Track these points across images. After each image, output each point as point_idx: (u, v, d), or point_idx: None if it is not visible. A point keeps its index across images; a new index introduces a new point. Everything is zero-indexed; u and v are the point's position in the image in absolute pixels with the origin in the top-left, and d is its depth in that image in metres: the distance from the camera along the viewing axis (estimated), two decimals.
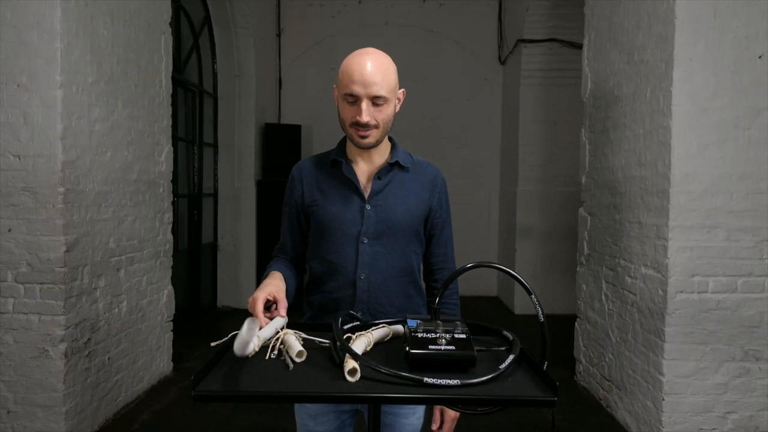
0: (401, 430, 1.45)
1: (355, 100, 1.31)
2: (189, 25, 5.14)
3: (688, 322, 2.65)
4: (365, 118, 1.31)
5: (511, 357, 1.04)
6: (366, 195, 1.42)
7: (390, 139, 1.48)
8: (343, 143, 1.49)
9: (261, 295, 1.18)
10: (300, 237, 1.52)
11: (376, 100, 1.31)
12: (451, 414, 1.46)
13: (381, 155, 1.45)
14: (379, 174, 1.43)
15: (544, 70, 5.68)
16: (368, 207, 1.40)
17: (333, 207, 1.42)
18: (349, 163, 1.44)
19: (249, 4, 5.50)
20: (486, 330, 1.27)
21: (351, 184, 1.42)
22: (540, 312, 1.10)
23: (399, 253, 1.42)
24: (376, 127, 1.34)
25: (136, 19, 3.25)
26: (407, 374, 0.95)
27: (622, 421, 3.12)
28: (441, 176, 1.51)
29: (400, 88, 1.39)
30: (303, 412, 1.47)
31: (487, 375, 0.97)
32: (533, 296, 1.11)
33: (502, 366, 1.01)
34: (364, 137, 1.35)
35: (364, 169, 1.45)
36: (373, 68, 1.29)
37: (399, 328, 1.25)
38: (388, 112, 1.35)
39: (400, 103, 1.41)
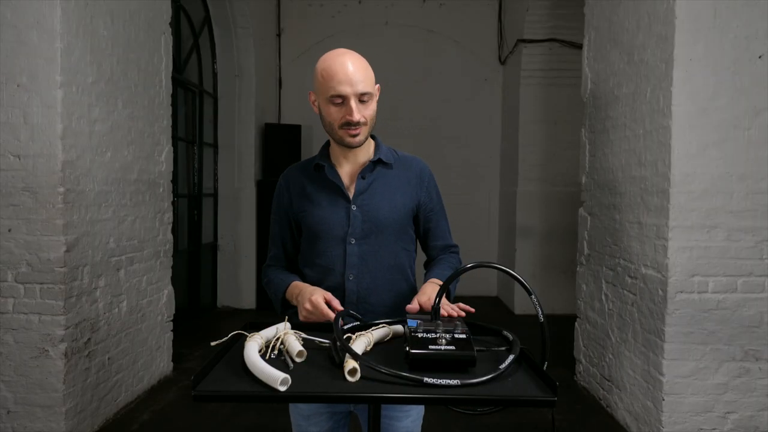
0: None
1: (342, 100, 1.32)
2: (189, 25, 5.14)
3: (688, 322, 2.65)
4: (357, 116, 1.32)
5: (511, 357, 1.04)
6: (351, 196, 1.42)
7: (373, 137, 1.48)
8: (326, 147, 1.49)
9: (319, 299, 1.28)
10: (292, 244, 1.53)
11: (362, 97, 1.33)
12: (428, 290, 1.34)
13: (364, 154, 1.46)
14: (363, 173, 1.43)
15: (544, 70, 5.68)
16: (354, 208, 1.41)
17: (320, 212, 1.42)
18: (332, 166, 1.45)
19: (249, 4, 5.50)
20: (486, 330, 1.27)
21: (335, 186, 1.43)
22: (540, 312, 1.11)
23: (387, 252, 1.43)
24: (365, 124, 1.36)
25: (136, 19, 3.25)
26: (407, 374, 0.96)
27: (622, 421, 3.12)
28: (427, 169, 1.52)
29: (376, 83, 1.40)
30: (296, 413, 1.47)
31: (487, 375, 0.97)
32: (533, 296, 1.11)
33: (502, 366, 1.01)
34: (355, 135, 1.36)
35: (347, 170, 1.45)
36: (355, 66, 1.32)
37: (399, 328, 1.25)
38: (373, 107, 1.38)
39: (376, 98, 1.40)
